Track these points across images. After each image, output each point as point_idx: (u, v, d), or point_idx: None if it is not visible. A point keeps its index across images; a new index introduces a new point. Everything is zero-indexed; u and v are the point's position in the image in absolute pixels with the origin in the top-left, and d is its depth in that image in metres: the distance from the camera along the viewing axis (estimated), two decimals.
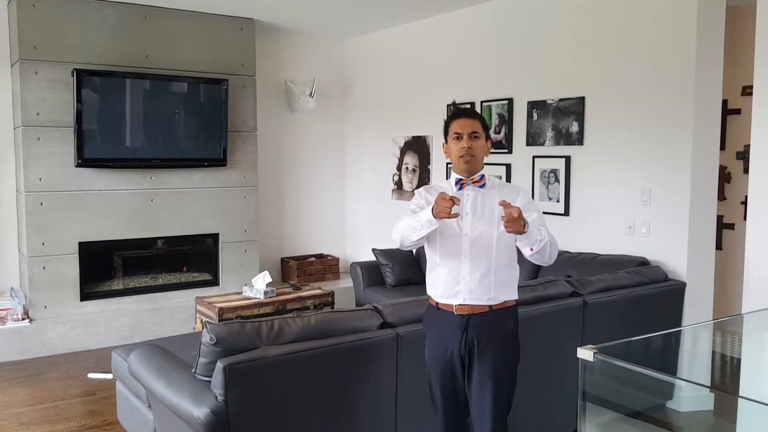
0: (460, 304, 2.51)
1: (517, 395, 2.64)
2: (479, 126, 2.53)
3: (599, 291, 3.71)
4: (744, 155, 5.16)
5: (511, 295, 2.57)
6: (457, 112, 2.64)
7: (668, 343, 2.47)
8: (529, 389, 3.15)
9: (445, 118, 2.74)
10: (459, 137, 2.52)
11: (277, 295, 4.97)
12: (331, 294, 5.13)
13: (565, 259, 4.51)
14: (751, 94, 5.13)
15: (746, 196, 5.21)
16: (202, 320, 4.85)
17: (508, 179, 5.20)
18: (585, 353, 1.82)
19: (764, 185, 2.95)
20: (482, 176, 2.54)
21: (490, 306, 2.50)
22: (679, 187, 4.08)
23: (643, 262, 4.19)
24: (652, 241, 4.25)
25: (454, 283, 2.52)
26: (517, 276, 2.62)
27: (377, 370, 2.84)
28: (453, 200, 2.30)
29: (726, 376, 2.51)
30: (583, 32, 4.61)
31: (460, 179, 2.55)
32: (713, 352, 2.49)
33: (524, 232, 2.31)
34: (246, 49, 6.01)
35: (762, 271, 2.86)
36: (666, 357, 2.35)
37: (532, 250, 2.40)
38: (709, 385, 2.17)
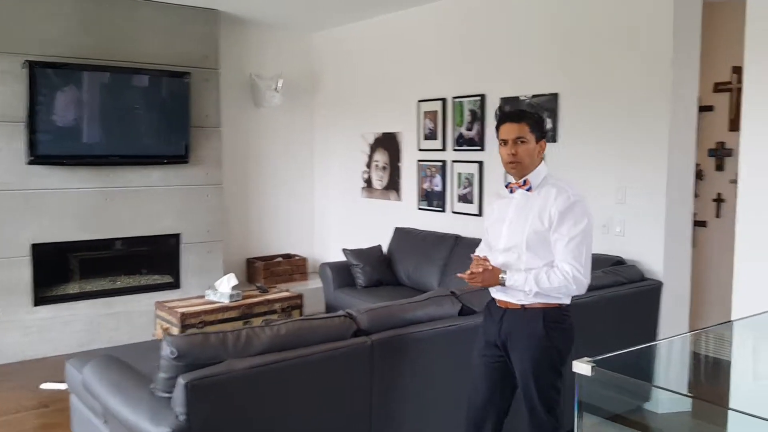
0: (499, 299, 2.60)
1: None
2: (526, 130, 2.50)
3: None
4: (716, 152, 5.15)
5: (551, 298, 2.50)
6: (502, 116, 2.60)
7: (656, 351, 2.37)
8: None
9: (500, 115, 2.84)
10: (505, 143, 2.53)
11: (243, 299, 4.78)
12: (300, 296, 4.95)
13: None
14: (723, 90, 5.14)
15: (718, 194, 5.25)
16: (162, 326, 4.62)
17: (480, 177, 5.09)
18: (582, 367, 1.70)
19: (754, 190, 2.85)
20: (525, 181, 2.54)
21: (523, 305, 2.52)
22: (655, 186, 4.01)
23: (618, 262, 4.11)
24: (627, 240, 4.18)
25: None
26: None
27: (351, 381, 2.68)
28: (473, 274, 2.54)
29: (716, 385, 2.42)
30: (557, 26, 4.51)
31: (510, 183, 2.61)
32: (705, 359, 2.39)
33: (500, 284, 2.47)
34: (210, 42, 5.78)
35: (752, 272, 2.78)
36: (655, 365, 2.24)
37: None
38: (709, 399, 2.07)
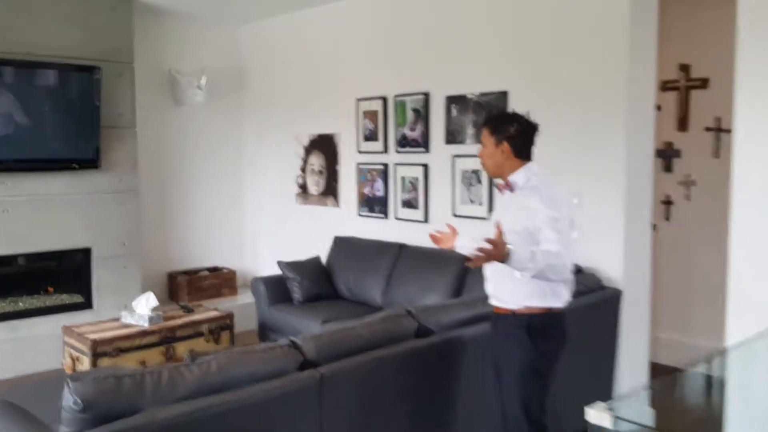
0: (492, 304, 2.61)
1: None
2: (486, 134, 2.58)
3: None
4: (664, 153, 5.00)
5: (539, 301, 2.48)
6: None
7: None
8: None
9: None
10: None
11: (164, 321, 4.24)
12: (230, 316, 4.46)
13: None
14: (670, 89, 5.00)
15: (667, 196, 5.11)
16: (71, 355, 4.03)
17: (426, 180, 4.75)
18: (599, 417, 1.34)
19: (750, 200, 2.61)
20: (506, 182, 2.56)
21: (512, 310, 2.51)
22: (613, 190, 3.78)
23: (577, 270, 3.85)
24: (585, 247, 3.91)
25: (486, 283, 2.64)
26: (548, 284, 2.47)
27: (298, 424, 2.25)
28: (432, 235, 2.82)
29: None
30: (506, 20, 4.22)
31: (497, 184, 2.67)
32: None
33: (505, 261, 2.27)
34: (122, 32, 5.19)
35: (747, 291, 2.54)
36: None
37: (521, 276, 2.38)
38: None
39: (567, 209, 2.48)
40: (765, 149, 2.56)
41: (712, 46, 4.68)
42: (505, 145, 2.53)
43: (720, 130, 4.70)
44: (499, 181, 2.63)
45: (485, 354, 2.93)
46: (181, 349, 4.19)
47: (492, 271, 2.56)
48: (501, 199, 2.66)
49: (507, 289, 2.51)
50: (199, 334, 4.28)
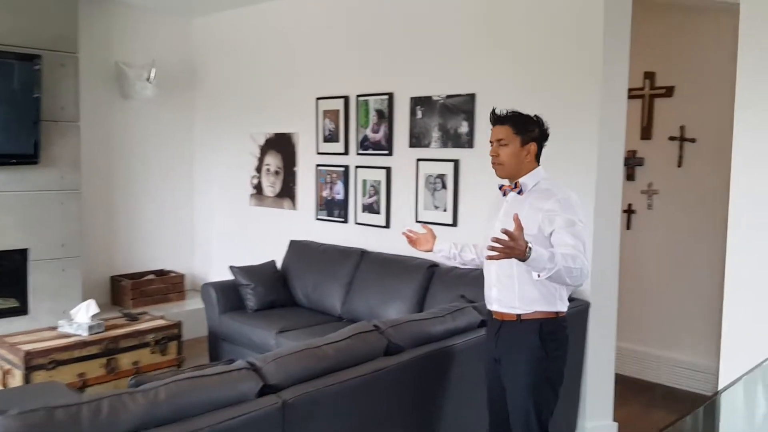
0: (495, 310, 2.51)
1: None
2: (508, 132, 2.48)
3: None
4: (627, 162, 4.94)
5: (547, 305, 2.42)
6: (491, 117, 2.57)
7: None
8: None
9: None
10: (492, 144, 2.53)
11: (105, 330, 3.94)
12: (178, 325, 4.18)
13: (456, 276, 3.97)
14: (634, 97, 4.92)
15: (629, 205, 5.06)
16: (2, 368, 3.70)
17: (388, 184, 4.57)
18: None
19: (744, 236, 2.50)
20: (516, 183, 2.50)
21: (518, 315, 2.43)
22: (582, 197, 3.64)
23: None
24: None
25: (489, 288, 2.54)
26: (557, 286, 2.42)
27: None
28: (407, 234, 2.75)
29: None
30: (476, 21, 4.08)
31: (502, 185, 2.56)
32: None
33: (525, 259, 2.15)
34: (65, 20, 4.84)
35: (742, 317, 2.44)
36: None
37: (539, 276, 2.27)
38: None
39: (582, 213, 2.42)
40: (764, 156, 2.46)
41: (677, 54, 4.66)
42: (533, 147, 2.50)
43: (684, 140, 4.68)
44: (504, 182, 2.55)
45: (462, 368, 2.80)
46: (124, 361, 3.90)
47: (498, 274, 2.48)
48: (503, 201, 2.55)
49: (515, 293, 2.43)
50: (145, 345, 3.99)
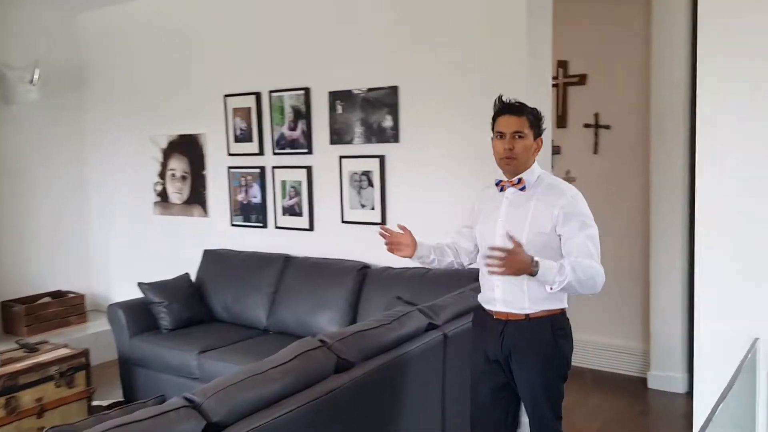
0: (498, 311, 2.39)
1: None
2: (526, 124, 2.34)
3: (454, 318, 3.05)
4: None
5: (555, 303, 2.35)
6: (502, 107, 2.41)
7: None
8: None
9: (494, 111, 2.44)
10: (502, 136, 2.36)
11: (1, 365, 3.46)
12: (85, 353, 3.74)
13: (391, 276, 3.80)
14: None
15: None
16: None
17: (310, 184, 4.32)
18: None
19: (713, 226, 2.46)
20: (520, 179, 2.37)
21: (527, 314, 2.34)
22: None
23: None
24: None
25: (491, 288, 2.41)
26: None
27: None
28: (383, 233, 2.48)
29: None
30: (396, 8, 3.90)
31: (500, 181, 2.43)
32: None
33: (533, 274, 2.15)
34: None
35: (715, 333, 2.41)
36: None
37: (551, 288, 2.20)
38: None
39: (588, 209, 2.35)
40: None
41: (589, 42, 4.70)
42: (540, 142, 2.41)
43: (598, 126, 4.73)
44: (502, 177, 2.43)
45: (416, 375, 2.65)
46: (26, 398, 3.44)
47: (500, 276, 2.32)
48: (500, 197, 2.42)
49: (524, 294, 2.32)
50: (48, 379, 3.53)
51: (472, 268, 3.67)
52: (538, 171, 2.42)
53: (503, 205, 2.39)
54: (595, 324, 4.77)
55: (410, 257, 2.50)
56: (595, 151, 4.76)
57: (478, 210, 2.53)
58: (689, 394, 4.22)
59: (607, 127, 4.71)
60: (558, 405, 2.40)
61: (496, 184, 2.45)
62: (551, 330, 2.33)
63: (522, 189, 2.37)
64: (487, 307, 2.44)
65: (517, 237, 2.23)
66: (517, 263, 2.13)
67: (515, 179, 2.39)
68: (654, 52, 4.22)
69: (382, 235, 2.49)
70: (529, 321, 2.33)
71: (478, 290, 3.34)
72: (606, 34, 4.63)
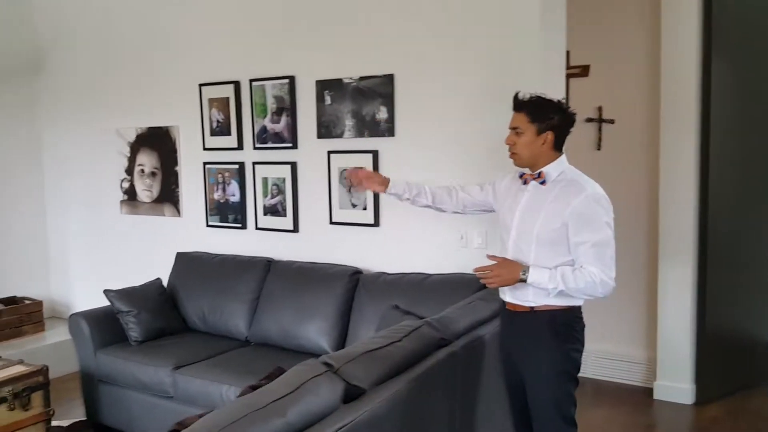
0: (508, 301, 2.46)
1: None
2: (523, 120, 2.37)
3: (466, 331, 2.73)
4: None
5: (562, 299, 2.33)
6: (513, 104, 2.45)
7: None
8: None
9: None
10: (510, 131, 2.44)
11: None
12: (43, 371, 3.31)
13: (386, 282, 3.47)
14: None
15: None
16: None
17: (294, 182, 3.96)
18: None
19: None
20: (540, 173, 2.39)
21: (531, 307, 2.38)
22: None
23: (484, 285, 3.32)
24: (491, 253, 3.39)
25: None
26: None
27: None
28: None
29: None
30: None
31: (524, 173, 2.46)
32: None
33: (522, 280, 2.30)
34: None
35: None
36: None
37: (549, 295, 2.29)
38: None
39: (611, 209, 2.32)
40: None
41: (591, 31, 4.41)
42: (549, 136, 2.36)
43: (602, 121, 4.47)
44: (525, 170, 2.45)
45: (433, 397, 2.34)
46: None
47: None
48: (522, 190, 2.45)
49: (527, 286, 2.34)
50: (2, 401, 3.11)
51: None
52: (563, 166, 2.39)
53: (524, 198, 2.42)
54: (595, 330, 4.49)
55: (383, 192, 2.72)
56: (599, 147, 4.49)
57: (501, 191, 2.58)
58: (698, 404, 4.00)
59: (611, 121, 4.44)
60: (565, 406, 2.39)
61: (520, 176, 2.48)
62: (553, 326, 2.34)
63: (542, 183, 2.38)
64: (501, 297, 2.52)
65: (528, 229, 2.35)
66: (503, 275, 2.31)
67: (535, 173, 2.40)
68: (663, 40, 3.97)
69: (348, 178, 2.64)
70: (534, 314, 2.37)
71: (487, 300, 3.07)
72: (610, 21, 4.37)
